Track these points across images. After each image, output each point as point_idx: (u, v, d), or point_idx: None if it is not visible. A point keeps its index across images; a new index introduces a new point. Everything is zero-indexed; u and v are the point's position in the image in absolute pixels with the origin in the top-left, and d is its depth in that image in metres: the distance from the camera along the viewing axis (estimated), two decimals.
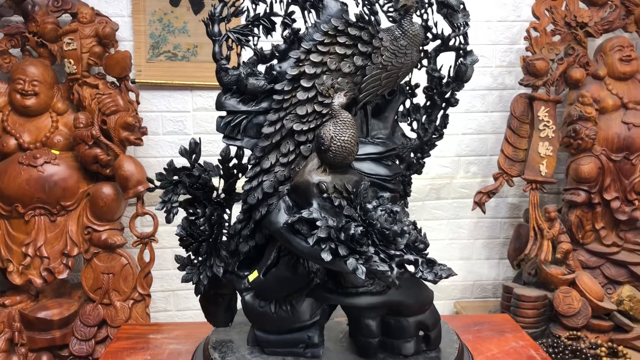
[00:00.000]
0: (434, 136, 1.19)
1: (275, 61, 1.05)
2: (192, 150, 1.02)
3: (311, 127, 0.98)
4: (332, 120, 0.92)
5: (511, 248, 2.18)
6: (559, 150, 2.07)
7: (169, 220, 1.00)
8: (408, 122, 1.19)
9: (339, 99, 0.94)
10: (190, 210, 1.02)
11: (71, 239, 1.90)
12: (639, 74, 2.07)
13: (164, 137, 2.16)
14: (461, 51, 1.11)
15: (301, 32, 1.03)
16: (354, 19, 1.00)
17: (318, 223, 0.85)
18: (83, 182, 1.93)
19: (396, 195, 1.07)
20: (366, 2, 1.06)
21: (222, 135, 1.04)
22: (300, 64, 0.98)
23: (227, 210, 1.08)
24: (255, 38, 1.06)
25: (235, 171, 1.07)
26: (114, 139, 1.89)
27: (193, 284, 1.05)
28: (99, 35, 1.91)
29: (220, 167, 1.06)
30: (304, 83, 0.97)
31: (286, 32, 1.04)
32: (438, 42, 1.13)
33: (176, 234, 1.03)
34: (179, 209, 1.01)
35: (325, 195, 0.89)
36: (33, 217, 1.87)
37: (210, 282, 1.05)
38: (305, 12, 1.06)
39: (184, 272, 1.05)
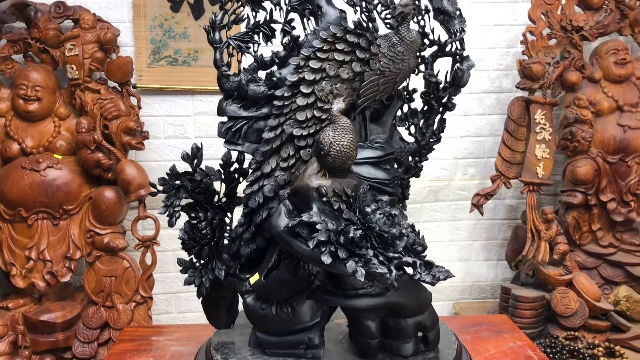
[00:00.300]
0: (431, 140, 1.20)
1: (275, 68, 1.07)
2: (194, 155, 1.04)
3: (311, 132, 1.00)
4: (331, 126, 0.93)
5: (509, 249, 2.20)
6: (556, 152, 2.08)
7: (171, 224, 1.01)
8: (406, 126, 1.21)
9: (338, 105, 0.95)
10: (193, 214, 1.04)
11: (74, 243, 1.91)
12: (634, 76, 2.08)
13: (165, 141, 2.18)
14: (458, 57, 1.12)
15: (300, 39, 1.05)
16: (352, 26, 1.01)
17: (318, 226, 0.86)
18: (85, 186, 1.95)
19: (394, 198, 1.08)
20: (364, 10, 1.07)
21: (224, 140, 1.05)
22: (299, 71, 0.99)
23: (229, 214, 1.09)
24: (256, 45, 1.07)
25: (236, 175, 1.09)
26: (115, 143, 1.91)
27: (195, 286, 1.06)
28: (100, 41, 1.93)
29: (222, 171, 1.07)
30: (303, 89, 0.99)
31: (286, 39, 1.06)
32: (435, 48, 1.14)
33: (179, 238, 1.04)
34: (182, 213, 1.03)
35: (324, 199, 0.90)
36: (36, 221, 1.89)
37: (212, 284, 1.05)
38: (305, 20, 1.07)
39: (187, 275, 1.06)
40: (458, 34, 1.10)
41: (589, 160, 2.04)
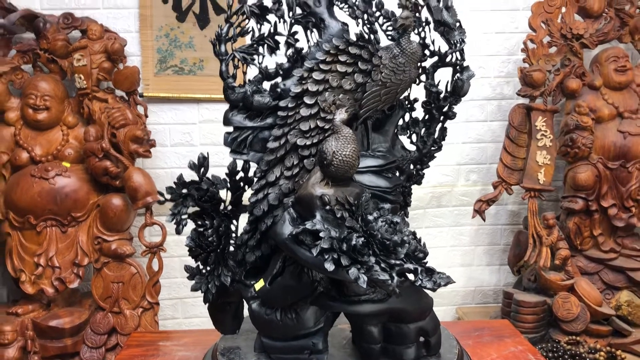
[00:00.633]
0: (432, 148, 1.22)
1: (279, 79, 1.09)
2: (201, 164, 1.06)
3: (314, 141, 1.02)
4: (334, 136, 0.95)
5: (511, 254, 2.21)
6: (557, 158, 2.10)
7: (178, 232, 1.04)
8: (407, 135, 1.22)
9: (341, 115, 0.97)
10: (199, 222, 1.05)
11: (82, 249, 1.93)
12: (634, 83, 2.10)
13: (171, 149, 2.21)
14: (458, 67, 1.14)
15: (304, 51, 1.08)
16: (354, 38, 1.03)
17: (321, 234, 0.88)
18: (93, 194, 1.97)
19: (396, 206, 1.10)
20: (366, 22, 1.10)
21: (230, 149, 1.08)
22: (303, 82, 1.01)
23: (234, 222, 1.11)
24: (260, 57, 1.10)
25: (242, 184, 1.11)
26: (123, 151, 1.93)
27: (202, 292, 1.07)
28: (107, 51, 1.96)
29: (228, 180, 1.09)
30: (307, 100, 1.01)
31: (290, 51, 1.09)
32: (435, 58, 1.16)
33: (186, 245, 1.06)
34: (188, 220, 1.05)
35: (327, 207, 0.91)
36: (45, 228, 1.91)
37: (218, 290, 1.07)
38: (308, 32, 1.10)
39: (193, 282, 1.08)
40: (458, 45, 1.12)
41: (589, 167, 2.05)
